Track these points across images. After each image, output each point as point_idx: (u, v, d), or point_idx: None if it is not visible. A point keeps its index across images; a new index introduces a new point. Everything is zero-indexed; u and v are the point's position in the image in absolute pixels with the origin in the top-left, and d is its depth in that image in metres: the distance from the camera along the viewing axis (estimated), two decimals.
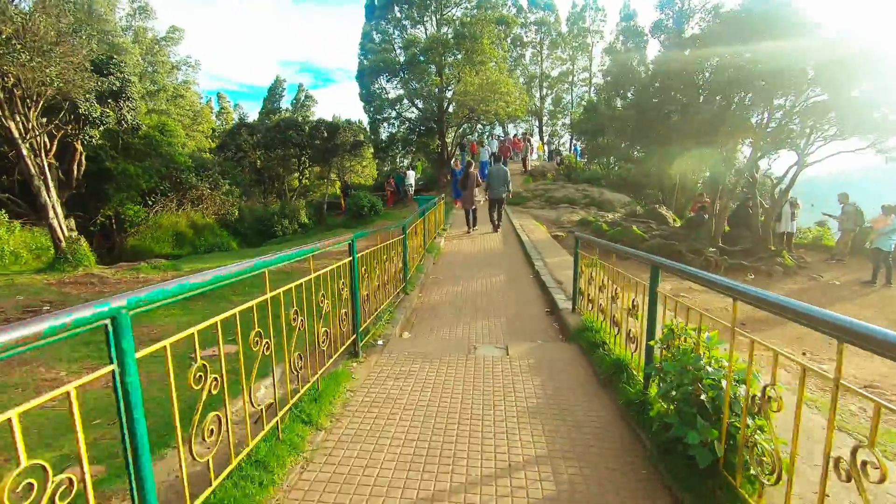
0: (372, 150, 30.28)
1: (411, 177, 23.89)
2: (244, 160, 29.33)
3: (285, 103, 66.08)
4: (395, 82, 26.68)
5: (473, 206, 12.20)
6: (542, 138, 41.69)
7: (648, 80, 12.60)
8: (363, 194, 18.48)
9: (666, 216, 14.77)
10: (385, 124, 28.84)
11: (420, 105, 26.64)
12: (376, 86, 27.79)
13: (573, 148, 29.51)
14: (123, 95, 12.75)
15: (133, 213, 16.09)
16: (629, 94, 13.20)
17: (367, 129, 29.75)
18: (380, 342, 4.54)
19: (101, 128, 12.46)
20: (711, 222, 12.72)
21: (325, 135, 24.71)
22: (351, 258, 3.92)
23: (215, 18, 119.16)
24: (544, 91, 45.52)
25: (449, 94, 25.83)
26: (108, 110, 12.33)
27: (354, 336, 4.00)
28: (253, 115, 59.41)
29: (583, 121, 25.09)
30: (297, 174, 37.55)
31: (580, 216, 16.08)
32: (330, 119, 30.63)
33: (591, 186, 19.89)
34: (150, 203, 17.13)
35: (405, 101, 26.27)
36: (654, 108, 12.77)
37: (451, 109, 26.44)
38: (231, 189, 20.34)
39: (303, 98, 61.33)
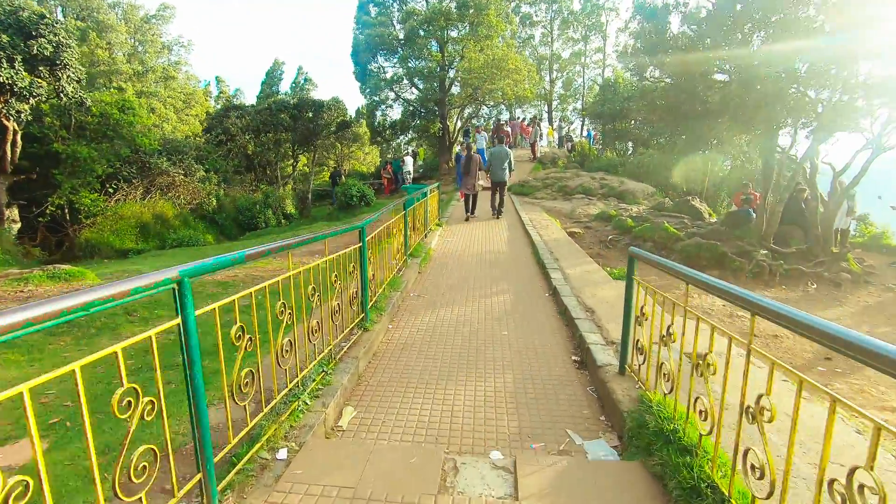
0: (369, 134, 28.13)
1: (410, 163, 21.76)
2: (232, 145, 27.32)
3: (285, 87, 63.85)
4: (394, 60, 24.44)
5: (475, 191, 11.64)
6: (551, 123, 39.29)
7: (694, 40, 10.36)
8: (352, 182, 16.43)
9: (701, 210, 12.62)
10: (382, 106, 26.66)
11: (420, 85, 24.41)
12: (374, 65, 25.58)
13: (586, 133, 27.21)
14: (59, 63, 10.69)
15: (90, 203, 14.14)
16: (666, 59, 10.95)
17: (364, 112, 27.60)
18: (280, 456, 2.47)
19: (32, 101, 10.45)
20: (762, 219, 10.55)
21: (310, 114, 22.55)
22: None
23: (220, 11, 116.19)
24: (554, 74, 42.99)
25: (451, 74, 23.59)
26: (39, 80, 10.29)
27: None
28: (252, 101, 57.41)
29: (598, 102, 22.78)
30: (290, 161, 35.65)
31: (599, 209, 13.94)
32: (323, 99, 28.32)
33: (609, 175, 17.69)
34: (110, 191, 15.17)
35: (404, 80, 24.03)
36: (697, 77, 10.56)
37: (453, 90, 24.20)
38: (208, 176, 18.31)
39: (302, 81, 59.15)
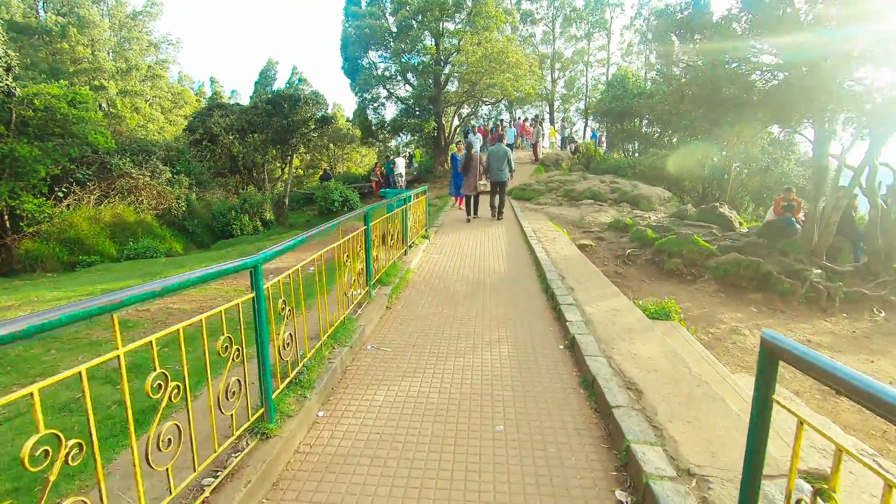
0: (360, 135, 26.47)
1: (401, 165, 20.05)
2: (215, 146, 25.68)
3: (279, 87, 62.46)
4: (386, 55, 22.79)
5: (476, 192, 11.01)
6: (552, 124, 37.64)
7: (734, 17, 8.66)
8: (334, 185, 14.72)
9: (730, 218, 10.91)
10: (374, 105, 24.99)
11: (413, 81, 22.74)
12: (365, 61, 23.93)
13: (591, 134, 25.55)
14: None
15: (33, 209, 12.42)
16: (700, 42, 9.27)
17: (357, 109, 25.96)
18: None
19: None
20: (810, 230, 8.82)
21: (285, 108, 20.83)
22: None
23: (216, 11, 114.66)
24: (556, 73, 41.41)
25: (447, 70, 21.92)
26: None
27: None
28: (247, 102, 55.93)
29: (605, 99, 21.11)
30: (279, 163, 33.98)
31: (611, 217, 12.24)
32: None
33: (619, 178, 15.99)
34: (60, 195, 13.47)
35: (396, 76, 22.36)
36: (739, 61, 8.87)
37: (449, 87, 22.54)
38: (178, 178, 16.60)
39: (297, 81, 57.68)
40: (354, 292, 4.49)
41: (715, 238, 9.66)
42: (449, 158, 12.24)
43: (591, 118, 40.43)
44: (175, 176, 16.70)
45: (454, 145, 11.98)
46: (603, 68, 39.99)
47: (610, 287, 5.54)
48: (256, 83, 58.38)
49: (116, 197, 14.54)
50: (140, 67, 37.47)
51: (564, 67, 41.45)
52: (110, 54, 38.86)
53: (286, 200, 20.32)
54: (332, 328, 3.81)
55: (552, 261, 6.82)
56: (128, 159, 15.39)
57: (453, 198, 12.91)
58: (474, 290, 5.72)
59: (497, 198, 10.92)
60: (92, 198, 13.86)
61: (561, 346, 4.08)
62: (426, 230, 9.56)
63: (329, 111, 23.50)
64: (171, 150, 18.19)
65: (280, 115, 20.75)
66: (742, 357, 5.71)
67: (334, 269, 3.95)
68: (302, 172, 42.37)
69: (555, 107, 41.66)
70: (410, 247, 7.97)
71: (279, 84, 63.07)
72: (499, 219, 11.03)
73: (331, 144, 41.36)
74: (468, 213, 11.21)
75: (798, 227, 9.41)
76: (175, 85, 44.71)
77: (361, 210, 4.75)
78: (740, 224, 11.32)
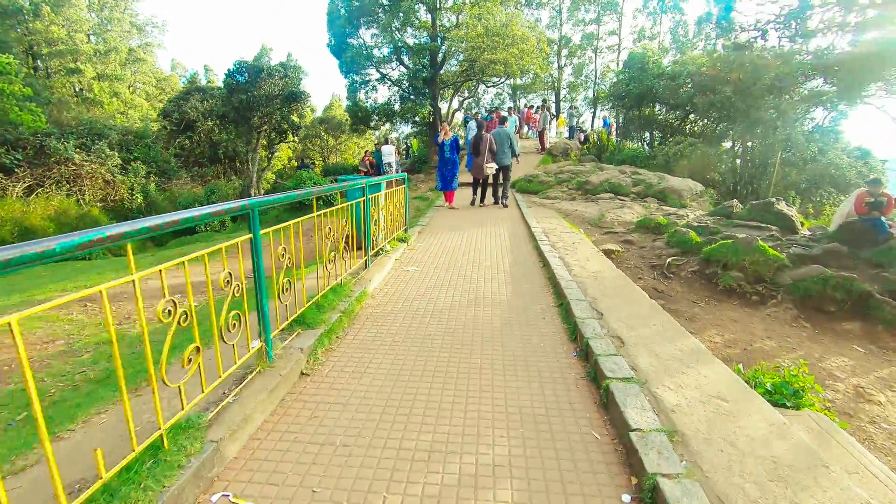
0: (350, 121, 24.23)
1: (391, 153, 17.85)
2: (192, 132, 23.52)
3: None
4: (377, 32, 20.48)
5: (485, 176, 10.24)
6: (558, 112, 35.31)
7: None
8: (305, 175, 12.52)
9: (791, 217, 8.68)
10: (365, 88, 22.72)
11: (407, 61, 20.45)
12: (356, 41, 21.63)
13: (603, 122, 23.26)
14: None
15: None
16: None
17: (347, 94, 23.70)
18: None
19: None
20: None
21: (246, 82, 18.52)
22: None
23: (216, 3, 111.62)
24: (563, 60, 39.03)
25: (444, 48, 19.64)
26: None
27: None
28: None
29: (622, 82, 18.80)
30: (265, 151, 31.78)
31: (637, 214, 10.03)
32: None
33: (642, 169, 13.76)
34: None
35: (382, 48, 20.06)
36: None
37: (446, 68, 20.25)
38: (134, 166, 14.41)
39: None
40: (249, 343, 2.33)
41: (780, 244, 7.44)
42: (438, 146, 10.07)
43: (604, 105, 38.08)
44: (130, 164, 14.50)
45: (440, 132, 9.83)
46: (613, 54, 37.56)
47: (686, 337, 3.32)
48: None
49: (53, 186, 12.37)
50: (120, 50, 35.14)
51: (572, 53, 39.06)
52: (90, 37, 36.56)
53: (253, 192, 18.03)
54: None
55: (578, 282, 4.63)
56: (71, 143, 13.20)
57: (442, 194, 10.75)
58: (458, 342, 3.52)
59: (499, 184, 10.42)
60: (18, 188, 11.69)
61: (629, 500, 1.90)
62: (405, 231, 7.37)
63: (300, 87, 20.93)
64: (127, 134, 15.96)
65: (240, 91, 18.36)
66: None
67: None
68: (297, 164, 40.14)
69: (561, 95, 39.31)
70: (377, 254, 5.80)
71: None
72: (503, 206, 10.41)
73: (324, 133, 39.14)
74: (474, 197, 10.67)
75: (890, 230, 7.20)
76: (160, 70, 42.41)
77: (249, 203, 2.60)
78: (801, 224, 9.10)
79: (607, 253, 7.60)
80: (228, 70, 19.54)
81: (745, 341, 5.14)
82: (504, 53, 16.00)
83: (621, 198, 11.58)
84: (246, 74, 18.14)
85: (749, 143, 14.95)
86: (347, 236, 5.82)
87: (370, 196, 5.51)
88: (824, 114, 15.33)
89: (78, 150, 13.19)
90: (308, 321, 3.40)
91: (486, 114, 16.70)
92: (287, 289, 3.07)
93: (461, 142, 14.16)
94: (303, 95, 20.17)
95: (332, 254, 4.17)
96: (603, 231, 9.13)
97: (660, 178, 12.29)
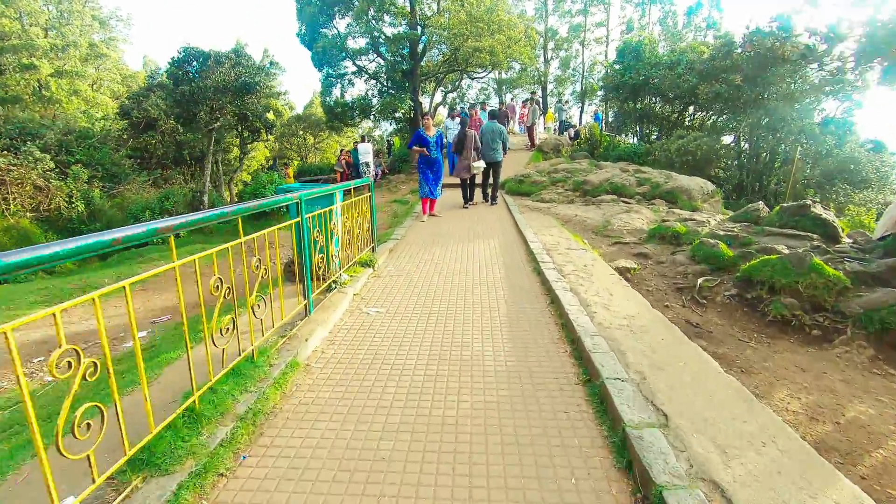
0: (325, 118, 22.62)
1: (367, 151, 16.33)
2: (154, 131, 21.67)
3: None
4: (351, 18, 18.88)
5: (472, 174, 9.65)
6: (546, 108, 34.01)
7: None
8: (267, 178, 10.91)
9: (832, 223, 7.38)
10: (340, 82, 21.11)
11: (385, 52, 18.89)
12: (329, 31, 19.98)
13: (594, 116, 21.99)
14: None
15: None
16: None
17: (321, 89, 22.05)
18: None
19: None
20: None
21: (192, 71, 16.72)
22: None
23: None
24: (549, 54, 37.76)
25: (424, 38, 18.12)
26: None
27: None
28: None
29: (617, 72, 17.47)
30: (237, 151, 29.93)
31: (647, 220, 8.67)
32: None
33: (645, 167, 12.45)
34: None
35: (357, 39, 18.49)
36: None
37: (427, 58, 18.73)
38: (74, 170, 12.67)
39: (267, 65, 53.31)
40: None
41: (830, 257, 6.12)
42: (418, 144, 8.48)
43: (591, 99, 36.92)
44: (70, 167, 12.75)
45: (424, 121, 8.25)
46: (601, 47, 36.36)
47: (822, 466, 1.92)
48: None
49: None
50: (80, 45, 32.91)
51: (558, 46, 37.83)
52: (48, 31, 34.26)
53: (205, 199, 16.23)
54: None
55: (606, 337, 3.20)
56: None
57: (425, 203, 9.03)
58: (434, 461, 2.07)
59: (490, 180, 9.93)
60: None
61: None
62: (373, 250, 5.89)
63: (260, 77, 18.96)
64: (68, 134, 14.16)
65: (185, 81, 16.46)
66: None
67: None
68: (269, 164, 38.21)
69: (548, 90, 38.06)
70: (331, 289, 4.32)
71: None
72: (492, 204, 10.02)
73: (301, 132, 37.28)
74: (464, 200, 10.03)
75: None
76: (126, 67, 40.17)
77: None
78: (842, 230, 7.81)
79: (621, 272, 6.21)
80: (173, 58, 17.53)
81: (830, 407, 3.78)
82: (490, 41, 14.56)
83: (625, 200, 10.22)
84: (195, 63, 16.34)
85: (757, 137, 13.72)
86: (289, 266, 4.35)
87: (319, 211, 4.05)
88: (836, 104, 14.16)
89: (4, 153, 11.42)
90: (159, 457, 1.91)
91: (462, 111, 15.18)
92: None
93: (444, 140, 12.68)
94: (258, 87, 18.10)
95: (258, 300, 2.71)
96: (610, 242, 7.74)
97: (667, 177, 10.96)
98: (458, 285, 4.72)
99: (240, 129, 27.10)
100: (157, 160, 24.21)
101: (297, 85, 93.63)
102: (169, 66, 17.37)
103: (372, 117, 23.54)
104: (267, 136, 28.56)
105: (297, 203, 3.52)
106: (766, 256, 5.83)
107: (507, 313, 3.93)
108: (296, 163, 36.89)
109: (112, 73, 37.92)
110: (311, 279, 3.76)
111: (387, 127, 34.29)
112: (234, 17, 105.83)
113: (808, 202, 7.55)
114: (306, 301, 3.68)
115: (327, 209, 4.39)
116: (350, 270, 5.00)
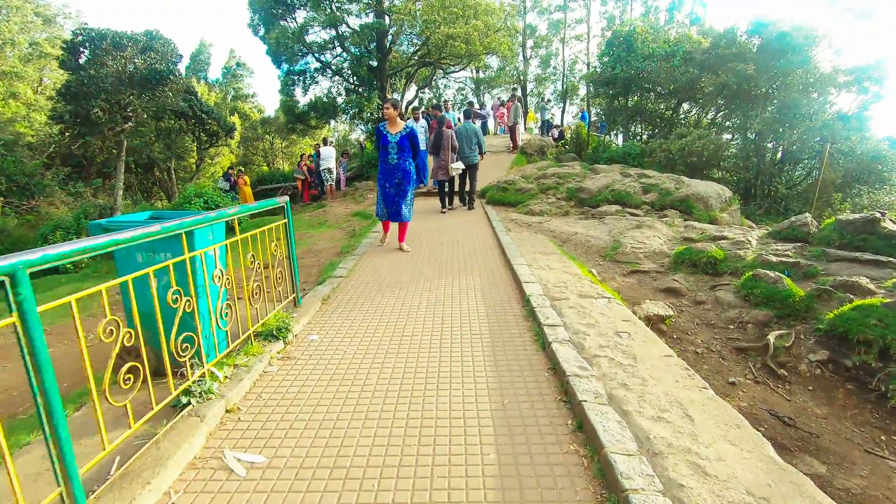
0: (284, 119, 20.51)
1: (330, 156, 14.36)
2: (93, 135, 19.25)
3: (215, 74, 55.34)
4: (309, 7, 16.84)
5: (450, 176, 8.96)
6: (526, 108, 32.41)
7: None
8: (195, 190, 8.82)
9: None
10: (303, 79, 19.04)
11: (350, 46, 16.89)
12: (289, 23, 17.90)
13: (581, 115, 20.37)
14: None
15: None
16: None
17: (281, 87, 19.90)
18: None
19: None
20: None
21: (84, 59, 14.17)
22: None
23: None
24: (529, 52, 36.28)
25: (393, 29, 16.21)
26: None
27: None
28: None
29: (608, 65, 15.81)
30: (193, 158, 27.40)
31: (664, 238, 6.89)
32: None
33: (649, 170, 10.74)
34: None
35: (318, 30, 16.47)
36: None
37: (397, 49, 16.82)
38: None
39: (234, 66, 50.95)
40: None
41: None
42: (375, 143, 6.41)
43: (579, 96, 35.50)
44: None
45: (385, 109, 6.00)
46: (582, 44, 34.94)
47: None
48: (188, 67, 51.34)
49: None
50: (18, 43, 30.03)
51: (538, 45, 36.35)
52: None
53: (120, 213, 13.75)
54: None
55: None
56: None
57: (385, 228, 6.83)
58: None
59: (468, 183, 9.39)
60: None
61: None
62: (294, 304, 3.94)
63: (173, 66, 15.89)
64: None
65: (76, 70, 13.83)
66: None
67: None
68: (239, 169, 35.58)
69: (528, 89, 36.53)
70: (181, 404, 2.35)
71: (215, 70, 55.39)
72: (469, 208, 9.39)
73: (267, 136, 34.83)
74: (442, 204, 9.41)
75: None
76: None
77: None
78: None
79: (652, 321, 4.39)
80: (65, 42, 14.86)
81: None
82: (465, 27, 12.74)
83: (632, 211, 8.46)
84: (90, 47, 13.95)
85: (770, 134, 12.17)
86: (125, 355, 2.30)
87: (170, 262, 2.13)
88: (852, 97, 12.70)
89: None
90: None
91: (424, 113, 13.06)
92: None
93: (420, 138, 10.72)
94: (171, 77, 15.12)
95: None
96: (625, 270, 5.93)
97: (677, 183, 9.24)
98: (415, 383, 2.81)
99: (197, 132, 24.73)
100: (98, 168, 21.74)
101: (272, 88, 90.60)
102: (61, 54, 14.67)
103: (340, 119, 21.49)
104: (227, 139, 26.16)
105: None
106: (861, 301, 4.08)
107: (499, 477, 2.02)
108: (263, 168, 34.23)
109: (60, 73, 35.01)
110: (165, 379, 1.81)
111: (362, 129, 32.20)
112: (202, 17, 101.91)
113: (877, 215, 5.86)
114: (110, 449, 1.73)
115: (199, 252, 2.47)
116: (248, 349, 3.06)
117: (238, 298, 3.14)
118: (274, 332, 3.38)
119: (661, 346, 3.01)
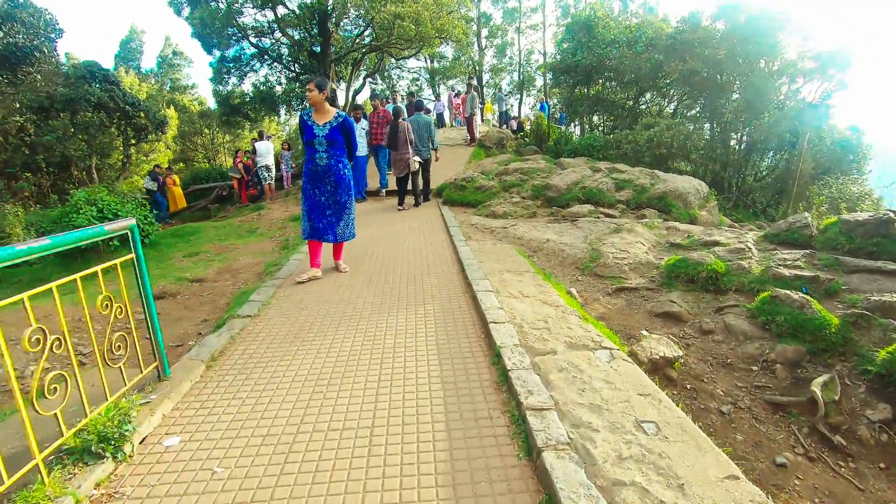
0: (219, 112, 18.58)
1: (266, 152, 12.80)
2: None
3: (149, 63, 51.58)
4: None
5: (406, 172, 8.42)
6: (482, 97, 31.39)
7: None
8: (85, 196, 7.19)
9: None
10: (236, 69, 17.19)
11: (289, 28, 15.24)
12: (221, 3, 15.98)
13: (541, 106, 19.52)
14: None
15: None
16: None
17: (213, 75, 17.93)
18: None
19: None
20: None
21: None
22: None
23: None
24: (484, 42, 35.31)
25: (337, 12, 14.69)
26: None
27: None
28: None
29: (568, 51, 14.91)
30: (121, 155, 24.72)
31: (648, 243, 5.95)
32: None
33: (621, 164, 9.88)
34: None
35: (248, 8, 14.76)
36: None
37: (341, 33, 15.30)
38: None
39: (171, 54, 47.35)
40: None
41: None
42: (300, 130, 4.95)
43: (528, 89, 34.84)
44: None
45: (308, 91, 4.58)
46: (538, 33, 34.22)
47: None
48: (117, 56, 47.58)
49: None
50: None
51: (493, 34, 35.40)
52: None
53: None
54: None
55: None
56: None
57: (308, 245, 5.16)
58: None
59: (420, 179, 8.86)
60: None
61: None
62: (158, 377, 2.64)
63: (40, 41, 13.08)
64: None
65: None
66: None
67: None
68: (178, 167, 32.66)
69: (484, 80, 35.57)
70: None
71: (149, 59, 52.01)
72: (425, 201, 9.05)
73: (206, 129, 32.12)
74: (399, 203, 8.70)
75: None
76: None
77: None
78: None
79: (658, 368, 3.37)
80: None
81: None
82: (414, 6, 11.45)
83: (606, 211, 7.51)
84: None
85: (738, 123, 11.59)
86: None
87: None
88: (816, 85, 12.30)
89: None
90: None
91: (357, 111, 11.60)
92: None
93: (360, 141, 9.36)
94: (38, 55, 12.42)
95: None
96: (609, 288, 4.92)
97: (652, 178, 8.37)
98: None
99: (122, 126, 22.20)
100: (2, 169, 19.07)
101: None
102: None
103: (284, 110, 19.70)
104: (158, 134, 23.69)
105: None
106: None
107: None
108: (204, 165, 31.39)
109: None
110: None
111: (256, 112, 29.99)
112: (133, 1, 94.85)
113: (891, 215, 5.10)
114: None
115: None
116: (33, 493, 1.76)
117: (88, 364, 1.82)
118: (100, 443, 2.08)
119: (715, 453, 1.93)
